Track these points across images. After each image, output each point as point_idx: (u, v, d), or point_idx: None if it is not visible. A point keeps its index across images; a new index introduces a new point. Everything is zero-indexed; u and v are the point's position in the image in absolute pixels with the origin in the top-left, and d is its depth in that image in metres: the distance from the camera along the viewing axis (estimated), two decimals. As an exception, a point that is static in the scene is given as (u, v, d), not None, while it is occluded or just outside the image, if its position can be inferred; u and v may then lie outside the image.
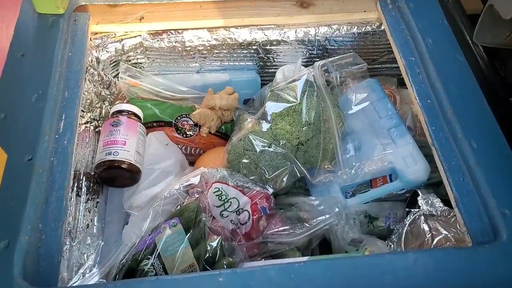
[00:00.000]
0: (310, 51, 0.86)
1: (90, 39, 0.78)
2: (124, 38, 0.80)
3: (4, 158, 0.51)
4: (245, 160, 0.71)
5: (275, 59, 0.87)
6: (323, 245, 0.72)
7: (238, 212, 0.68)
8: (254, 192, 0.69)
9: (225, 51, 0.84)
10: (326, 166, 0.70)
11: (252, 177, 0.71)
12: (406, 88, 0.89)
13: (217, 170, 0.70)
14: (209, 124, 0.81)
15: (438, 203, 0.66)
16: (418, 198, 0.67)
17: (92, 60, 0.78)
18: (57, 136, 0.61)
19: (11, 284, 0.48)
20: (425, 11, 0.77)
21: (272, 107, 0.73)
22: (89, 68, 0.75)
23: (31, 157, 0.58)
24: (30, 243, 0.52)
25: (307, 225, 0.65)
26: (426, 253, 0.52)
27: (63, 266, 0.57)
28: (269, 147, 0.71)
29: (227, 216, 0.68)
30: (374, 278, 0.50)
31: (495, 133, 0.62)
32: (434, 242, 0.63)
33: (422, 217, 0.65)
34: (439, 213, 0.65)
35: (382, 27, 0.83)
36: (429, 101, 0.67)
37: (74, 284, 0.57)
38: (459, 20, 0.80)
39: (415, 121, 0.82)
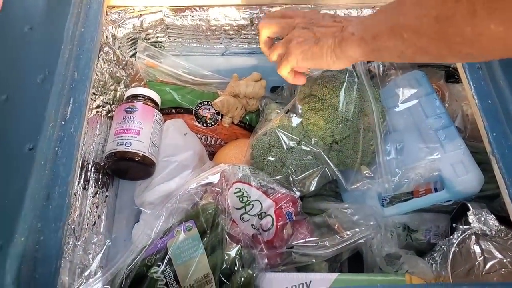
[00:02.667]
0: (350, 36, 0.76)
1: (106, 14, 0.70)
2: (144, 14, 0.73)
3: None
4: (270, 158, 0.64)
5: (309, 44, 0.78)
6: (353, 256, 0.64)
7: (260, 216, 0.61)
8: (279, 194, 0.62)
9: (254, 32, 0.76)
10: (365, 172, 0.61)
11: (277, 177, 0.64)
12: (455, 83, 0.80)
13: (239, 168, 0.63)
14: (233, 113, 0.73)
15: (492, 220, 0.57)
16: (469, 214, 0.58)
17: (107, 37, 0.70)
18: (63, 122, 0.55)
19: (2, 295, 0.43)
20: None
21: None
22: (103, 46, 0.68)
23: (33, 147, 0.52)
24: (26, 246, 0.46)
25: (338, 237, 0.58)
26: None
27: (65, 269, 0.52)
28: (298, 145, 0.63)
29: (248, 220, 0.61)
30: (419, 314, 0.42)
31: None
32: (487, 267, 0.54)
33: (473, 236, 0.56)
34: (493, 233, 0.56)
35: (435, 11, 0.73)
36: (490, 101, 0.58)
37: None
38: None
39: (465, 121, 0.72)
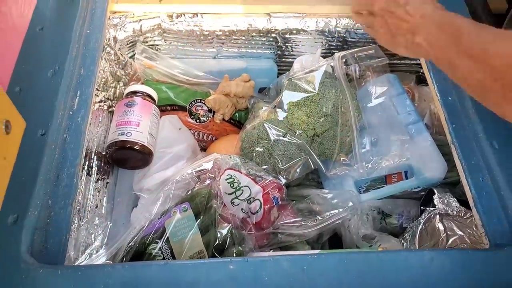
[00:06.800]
0: (329, 42, 0.84)
1: (109, 18, 0.76)
2: (143, 19, 0.79)
3: (22, 126, 0.50)
4: (258, 149, 0.70)
5: (293, 49, 0.85)
6: (333, 240, 0.71)
7: (249, 201, 0.67)
8: (267, 181, 0.68)
9: (243, 38, 0.82)
10: (342, 159, 0.68)
11: (265, 167, 0.70)
12: (425, 85, 0.88)
13: (230, 157, 0.69)
14: (224, 110, 0.80)
15: (454, 202, 0.65)
16: (434, 197, 0.66)
17: (109, 38, 0.76)
18: (71, 112, 0.61)
19: (18, 260, 0.47)
20: (449, 7, 0.74)
21: (289, 96, 0.71)
22: (105, 46, 0.74)
23: (44, 132, 0.57)
24: (39, 220, 0.51)
25: (319, 218, 0.64)
26: (443, 253, 0.50)
27: (71, 245, 0.56)
28: (284, 137, 0.70)
29: (238, 204, 0.66)
30: (388, 274, 0.49)
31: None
32: (449, 242, 0.61)
33: (438, 216, 0.64)
34: (455, 213, 0.64)
35: (405, 22, 0.81)
36: (450, 98, 0.65)
37: (81, 264, 0.56)
38: (484, 19, 0.78)
39: (433, 119, 0.80)
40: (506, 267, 0.50)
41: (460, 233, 0.62)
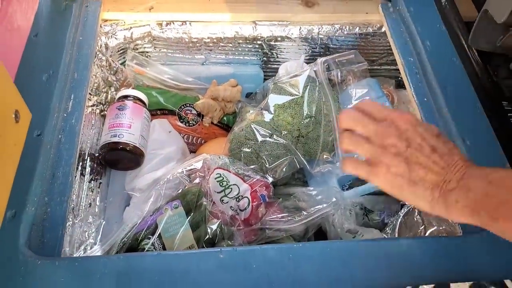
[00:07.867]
0: (312, 49, 0.88)
1: (100, 26, 0.79)
2: (133, 27, 0.82)
3: (29, 116, 0.53)
4: (246, 149, 0.73)
5: (278, 55, 0.89)
6: (318, 236, 0.74)
7: (238, 199, 0.69)
8: (254, 180, 0.71)
9: (230, 45, 0.86)
10: (325, 156, 0.72)
11: (252, 166, 0.73)
12: (404, 89, 0.93)
13: (220, 157, 0.72)
14: (212, 114, 0.83)
15: (431, 197, 0.68)
16: (413, 192, 0.69)
17: (101, 45, 0.79)
18: (65, 115, 0.63)
19: (16, 253, 0.50)
20: (424, 15, 0.80)
21: (275, 99, 0.75)
22: (97, 53, 0.77)
23: (40, 133, 0.59)
24: (36, 215, 0.53)
25: (305, 213, 0.67)
26: (419, 240, 0.54)
27: (66, 242, 0.58)
28: (270, 137, 0.73)
29: (227, 202, 0.69)
30: (369, 261, 0.52)
31: (487, 131, 0.64)
32: (427, 234, 0.65)
33: (416, 209, 0.67)
34: (432, 206, 0.67)
35: (383, 29, 0.86)
36: (425, 99, 0.70)
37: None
38: (456, 26, 0.83)
39: (411, 121, 0.84)
40: (476, 251, 0.53)
41: (437, 225, 0.65)
